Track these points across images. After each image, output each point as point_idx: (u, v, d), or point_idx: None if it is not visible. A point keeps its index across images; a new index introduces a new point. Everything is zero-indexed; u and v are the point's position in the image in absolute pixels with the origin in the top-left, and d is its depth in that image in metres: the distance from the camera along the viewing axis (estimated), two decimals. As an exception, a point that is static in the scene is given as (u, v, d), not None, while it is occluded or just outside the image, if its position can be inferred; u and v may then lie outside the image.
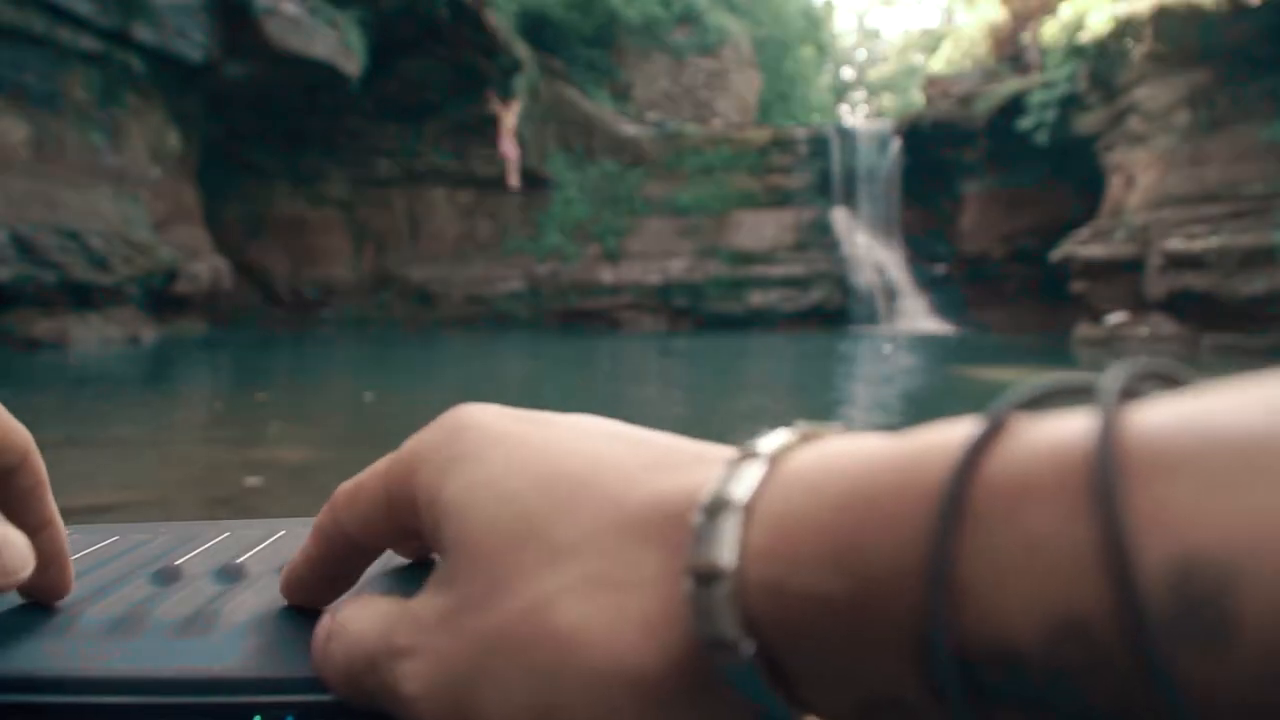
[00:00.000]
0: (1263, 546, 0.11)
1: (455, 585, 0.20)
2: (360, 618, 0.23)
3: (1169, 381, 0.15)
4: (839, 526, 0.16)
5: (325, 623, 0.24)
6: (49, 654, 0.25)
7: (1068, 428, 0.14)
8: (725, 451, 0.20)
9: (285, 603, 0.28)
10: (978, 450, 0.14)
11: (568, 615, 0.18)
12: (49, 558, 0.28)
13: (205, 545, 0.34)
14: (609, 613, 0.18)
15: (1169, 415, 0.13)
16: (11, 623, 0.27)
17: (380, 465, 0.24)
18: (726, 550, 0.17)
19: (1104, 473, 0.13)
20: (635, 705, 0.18)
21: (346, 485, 0.25)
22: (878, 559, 0.15)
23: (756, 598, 0.16)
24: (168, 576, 0.30)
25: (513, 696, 0.19)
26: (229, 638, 0.26)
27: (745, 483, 0.17)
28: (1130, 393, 0.14)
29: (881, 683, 0.15)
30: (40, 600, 0.28)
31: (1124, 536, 0.12)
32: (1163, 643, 0.12)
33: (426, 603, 0.21)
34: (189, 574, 0.31)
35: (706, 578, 0.17)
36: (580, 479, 0.20)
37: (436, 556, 0.24)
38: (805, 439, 0.19)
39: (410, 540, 0.25)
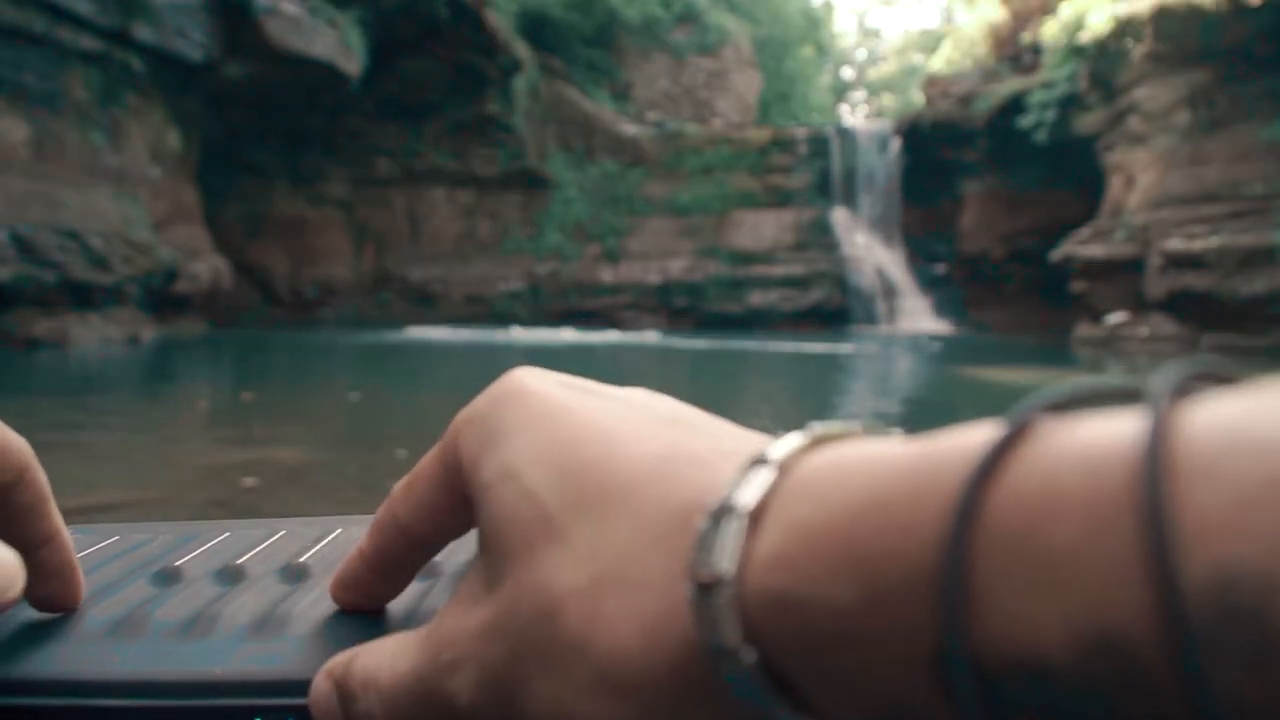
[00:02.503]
0: None
1: (489, 586, 0.21)
2: (385, 664, 0.22)
3: (1220, 381, 0.14)
4: (850, 534, 0.15)
5: (327, 690, 0.23)
6: (50, 656, 0.25)
7: (1102, 431, 0.13)
8: (752, 444, 0.20)
9: (285, 603, 0.28)
10: (999, 454, 0.14)
11: (575, 616, 0.18)
12: (54, 570, 0.27)
13: (205, 546, 0.34)
14: (614, 615, 0.18)
15: (1210, 418, 0.12)
16: (13, 625, 0.27)
17: (435, 447, 0.24)
18: (727, 558, 0.17)
19: (1151, 481, 0.12)
20: (637, 709, 0.18)
21: (403, 478, 0.25)
22: (891, 568, 0.14)
23: (759, 606, 0.16)
24: (168, 577, 0.30)
25: (539, 701, 0.19)
26: (230, 639, 0.26)
27: (752, 490, 0.17)
28: (1180, 394, 0.13)
29: (893, 694, 0.15)
30: (50, 611, 0.28)
31: (1169, 547, 0.11)
32: (1204, 657, 0.11)
33: (468, 608, 0.21)
34: (189, 575, 0.31)
35: (707, 585, 0.17)
36: (600, 471, 0.20)
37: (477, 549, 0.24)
38: (818, 443, 0.18)
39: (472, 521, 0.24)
